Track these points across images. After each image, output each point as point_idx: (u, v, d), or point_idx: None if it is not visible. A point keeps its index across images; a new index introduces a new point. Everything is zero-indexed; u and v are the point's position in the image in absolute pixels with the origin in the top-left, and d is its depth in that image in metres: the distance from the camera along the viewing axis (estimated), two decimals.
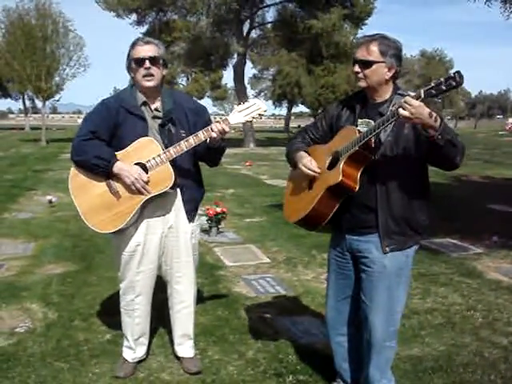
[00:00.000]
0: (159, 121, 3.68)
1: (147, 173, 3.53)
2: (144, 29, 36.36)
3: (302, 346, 4.31)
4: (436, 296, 5.51)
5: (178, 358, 4.07)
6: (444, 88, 2.63)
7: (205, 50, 36.09)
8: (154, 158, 3.52)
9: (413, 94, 2.76)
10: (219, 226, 8.26)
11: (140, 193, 3.52)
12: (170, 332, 4.20)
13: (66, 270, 6.42)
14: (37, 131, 41.70)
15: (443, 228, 8.43)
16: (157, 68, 3.61)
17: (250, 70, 54.20)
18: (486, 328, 4.71)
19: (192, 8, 33.04)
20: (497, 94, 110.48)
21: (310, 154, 3.31)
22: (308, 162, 3.22)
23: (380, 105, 3.12)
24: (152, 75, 3.60)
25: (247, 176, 17.05)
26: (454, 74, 2.62)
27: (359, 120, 3.18)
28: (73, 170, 3.67)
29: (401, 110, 2.72)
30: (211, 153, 3.74)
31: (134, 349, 3.97)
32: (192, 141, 3.52)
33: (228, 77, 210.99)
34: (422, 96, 2.69)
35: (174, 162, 3.56)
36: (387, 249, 3.11)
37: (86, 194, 3.63)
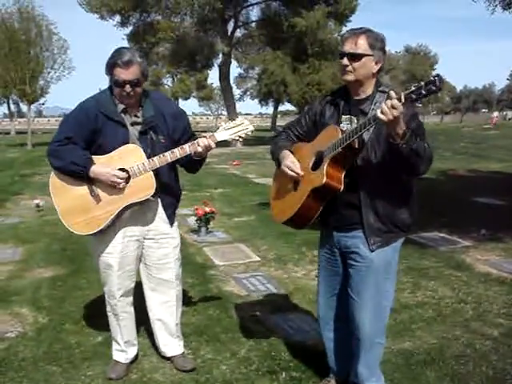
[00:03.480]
0: (139, 127, 3.66)
1: (129, 179, 3.52)
2: (128, 30, 36.30)
3: (294, 343, 4.31)
4: (426, 290, 5.54)
5: (168, 358, 4.06)
6: (424, 93, 2.62)
7: (189, 50, 36.08)
8: (137, 166, 3.51)
9: (394, 95, 2.71)
10: (208, 226, 8.24)
11: (120, 186, 3.50)
12: None
13: (56, 274, 6.39)
14: (23, 135, 41.45)
15: (431, 222, 8.47)
16: (137, 88, 3.57)
17: (235, 70, 54.51)
18: (477, 320, 4.74)
19: (176, 8, 32.97)
20: (481, 87, 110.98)
21: (294, 153, 3.30)
22: (291, 164, 3.21)
23: (362, 102, 3.11)
24: (131, 97, 3.58)
25: (235, 175, 17.03)
26: (434, 78, 2.61)
27: (343, 116, 3.17)
28: (54, 171, 3.68)
29: (379, 114, 2.71)
30: (193, 162, 3.75)
31: (125, 351, 3.96)
32: (177, 153, 3.53)
33: (213, 76, 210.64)
34: (403, 100, 2.67)
35: (155, 169, 3.57)
36: (374, 246, 3.12)
37: (66, 194, 3.63)
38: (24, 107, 42.86)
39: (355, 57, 3.00)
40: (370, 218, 3.10)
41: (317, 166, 3.12)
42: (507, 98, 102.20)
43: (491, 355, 4.07)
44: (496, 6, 11.94)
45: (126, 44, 36.93)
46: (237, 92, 59.49)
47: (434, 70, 79.87)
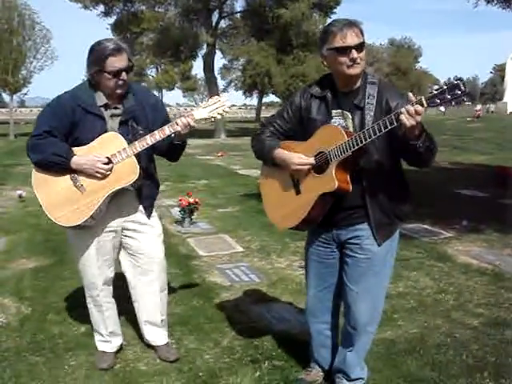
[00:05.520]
0: (118, 119, 3.61)
1: (112, 167, 3.49)
2: (112, 20, 36.05)
3: (276, 333, 4.33)
4: (408, 280, 5.59)
5: (152, 347, 4.08)
6: (449, 97, 2.53)
7: (174, 40, 35.87)
8: (119, 152, 3.47)
9: (413, 98, 2.63)
10: (192, 217, 8.25)
11: (105, 176, 3.48)
12: None
13: (39, 265, 6.37)
14: (4, 126, 40.97)
15: (414, 213, 8.52)
16: (129, 74, 3.55)
17: (219, 61, 54.17)
18: (457, 310, 4.79)
19: None
20: (465, 80, 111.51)
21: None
22: (299, 159, 3.05)
23: (352, 94, 3.02)
24: (125, 84, 3.55)
25: (220, 166, 17.03)
26: (457, 81, 2.52)
27: (333, 111, 3.06)
28: (35, 166, 3.62)
29: (404, 120, 2.62)
30: (173, 148, 3.71)
31: (109, 341, 3.97)
32: (157, 135, 3.47)
33: (198, 67, 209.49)
34: (426, 105, 2.60)
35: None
36: (381, 241, 3.10)
37: (50, 188, 3.58)
38: (6, 97, 42.41)
39: (361, 47, 2.90)
40: (376, 213, 3.06)
41: (320, 168, 3.02)
42: (490, 91, 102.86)
43: (471, 344, 4.12)
44: None
45: (110, 34, 36.69)
46: (221, 83, 59.34)
47: (418, 62, 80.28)
